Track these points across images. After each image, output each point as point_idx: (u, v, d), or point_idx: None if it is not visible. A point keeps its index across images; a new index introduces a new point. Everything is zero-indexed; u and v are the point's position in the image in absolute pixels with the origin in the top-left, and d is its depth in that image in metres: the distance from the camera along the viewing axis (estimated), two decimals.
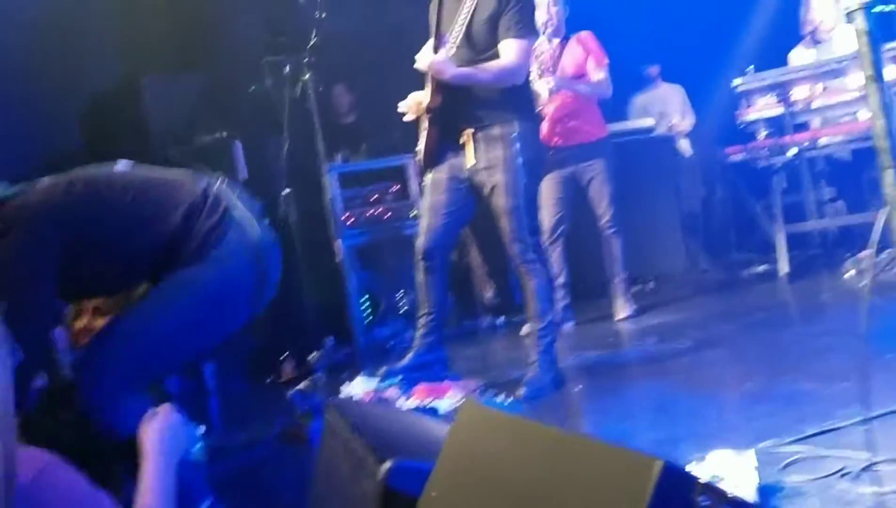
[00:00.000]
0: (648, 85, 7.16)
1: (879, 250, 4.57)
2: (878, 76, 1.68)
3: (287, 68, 4.89)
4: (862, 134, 4.93)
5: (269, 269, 2.53)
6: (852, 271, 5.11)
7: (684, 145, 6.76)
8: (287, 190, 4.98)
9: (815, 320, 4.33)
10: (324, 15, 4.45)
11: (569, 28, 5.17)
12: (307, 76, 4.78)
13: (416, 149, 3.87)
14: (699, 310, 5.11)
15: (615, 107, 6.11)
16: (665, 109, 6.88)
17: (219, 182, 2.53)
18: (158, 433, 1.94)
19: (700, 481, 1.04)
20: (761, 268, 5.97)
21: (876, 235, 1.76)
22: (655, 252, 6.23)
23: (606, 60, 5.08)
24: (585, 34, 5.14)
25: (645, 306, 5.26)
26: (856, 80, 4.91)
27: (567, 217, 5.14)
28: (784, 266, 5.47)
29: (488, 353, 4.87)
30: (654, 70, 7.17)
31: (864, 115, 5.04)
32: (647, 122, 6.51)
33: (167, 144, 5.57)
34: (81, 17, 5.61)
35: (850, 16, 1.74)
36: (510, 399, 3.46)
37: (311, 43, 4.65)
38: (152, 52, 5.91)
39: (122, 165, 2.53)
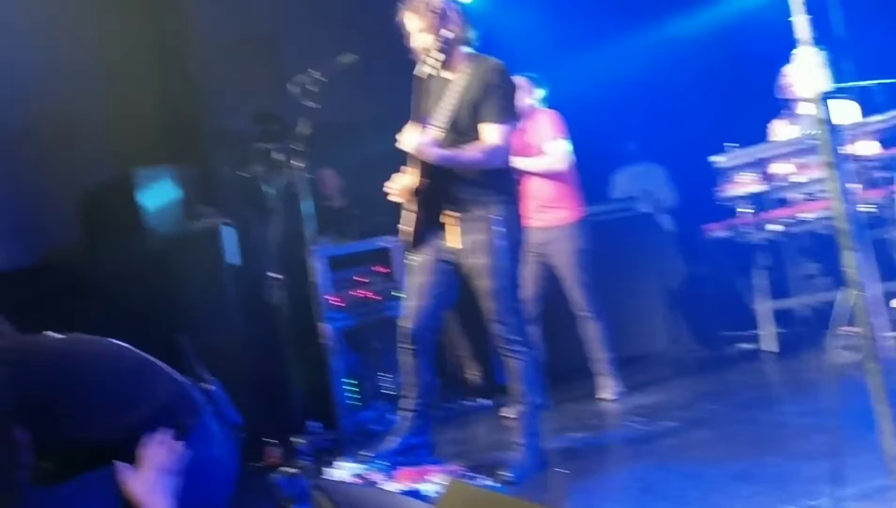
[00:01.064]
0: (629, 162, 7.27)
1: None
2: (836, 163, 1.74)
3: (277, 156, 4.97)
4: None
5: (220, 487, 2.58)
6: (837, 349, 5.12)
7: (665, 222, 6.84)
8: (275, 274, 5.01)
9: (801, 398, 4.34)
10: (313, 105, 4.55)
11: (549, 105, 5.21)
12: (297, 163, 4.86)
13: (400, 228, 3.90)
14: (684, 389, 5.10)
15: (596, 184, 6.19)
16: (646, 186, 6.97)
17: (210, 386, 2.60)
18: (149, 488, 1.94)
19: None
20: (746, 346, 5.98)
21: (837, 313, 1.80)
22: (639, 331, 6.23)
23: (558, 136, 5.03)
24: (546, 114, 5.13)
25: (629, 385, 5.23)
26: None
27: (540, 298, 5.11)
28: (769, 343, 5.48)
29: (472, 435, 4.83)
30: (634, 147, 7.29)
31: None
32: (630, 199, 6.60)
33: (159, 234, 5.64)
34: (74, 113, 5.73)
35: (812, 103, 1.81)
36: (494, 482, 3.44)
37: (302, 132, 4.75)
38: (143, 144, 6.02)
39: (118, 342, 2.59)
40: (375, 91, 5.95)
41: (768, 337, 5.51)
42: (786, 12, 2.20)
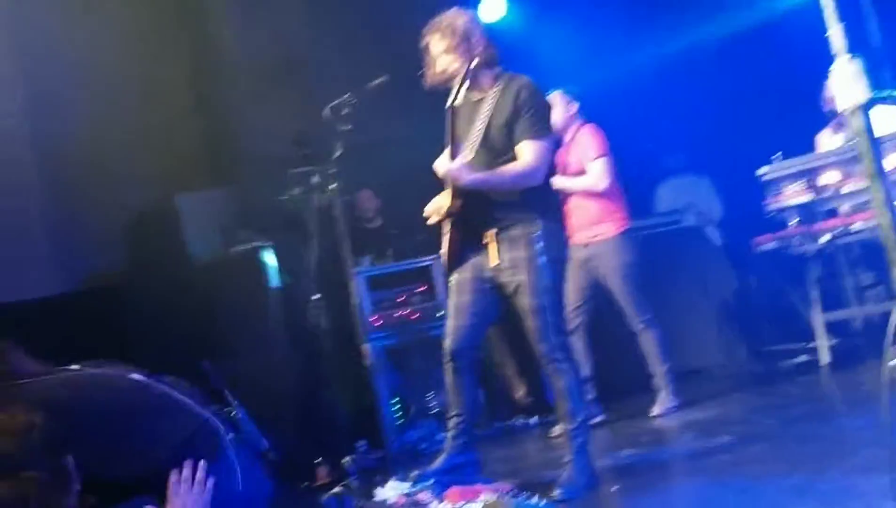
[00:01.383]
0: (674, 175, 7.19)
1: None
2: (879, 173, 1.68)
3: (314, 179, 5.00)
4: None
5: None
6: (893, 360, 4.97)
7: (712, 235, 6.74)
8: (317, 296, 5.03)
9: (858, 411, 4.21)
10: (348, 128, 4.58)
11: (590, 118, 5.17)
12: (334, 185, 4.88)
13: (440, 252, 3.89)
14: (738, 404, 5.00)
15: (641, 197, 6.11)
16: (692, 199, 6.87)
17: (235, 412, 2.62)
18: None
19: None
20: (801, 358, 5.85)
21: (891, 325, 1.74)
22: (691, 345, 6.12)
23: (598, 153, 4.98)
24: (586, 129, 5.09)
25: (682, 400, 5.13)
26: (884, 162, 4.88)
27: (587, 308, 5.06)
28: (824, 356, 5.34)
29: (521, 454, 4.79)
30: (679, 160, 7.21)
31: None
32: (675, 212, 6.52)
33: (201, 258, 5.71)
34: (114, 140, 5.84)
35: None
36: (544, 501, 3.39)
37: (337, 154, 4.78)
38: (183, 170, 6.12)
39: (135, 375, 2.60)
40: (411, 109, 5.97)
41: (822, 349, 5.38)
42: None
